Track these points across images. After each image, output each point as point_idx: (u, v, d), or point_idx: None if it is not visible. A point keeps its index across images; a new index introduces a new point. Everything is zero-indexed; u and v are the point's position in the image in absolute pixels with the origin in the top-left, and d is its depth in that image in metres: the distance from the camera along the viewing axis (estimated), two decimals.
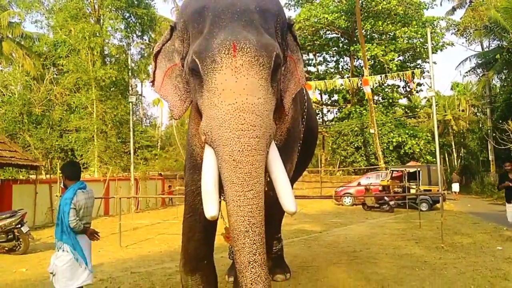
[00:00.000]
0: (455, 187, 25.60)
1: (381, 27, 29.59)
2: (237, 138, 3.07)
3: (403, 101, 35.27)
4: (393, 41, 30.15)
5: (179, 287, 4.74)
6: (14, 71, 25.01)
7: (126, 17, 23.10)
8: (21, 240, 9.22)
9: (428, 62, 20.83)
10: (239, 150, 3.07)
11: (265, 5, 3.50)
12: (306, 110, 5.21)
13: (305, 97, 5.27)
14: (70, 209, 4.37)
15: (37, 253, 9.14)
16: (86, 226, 4.57)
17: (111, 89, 22.72)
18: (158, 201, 21.50)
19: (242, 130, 3.07)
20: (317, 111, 34.76)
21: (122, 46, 23.71)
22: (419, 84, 32.22)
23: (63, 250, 4.42)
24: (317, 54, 35.15)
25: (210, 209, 3.20)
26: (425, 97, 37.82)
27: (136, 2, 23.00)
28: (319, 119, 35.53)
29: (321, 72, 34.52)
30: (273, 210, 5.54)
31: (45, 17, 23.51)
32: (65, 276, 4.38)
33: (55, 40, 24.20)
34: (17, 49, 25.52)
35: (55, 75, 25.22)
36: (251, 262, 3.01)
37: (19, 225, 9.20)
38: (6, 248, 9.15)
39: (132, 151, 14.04)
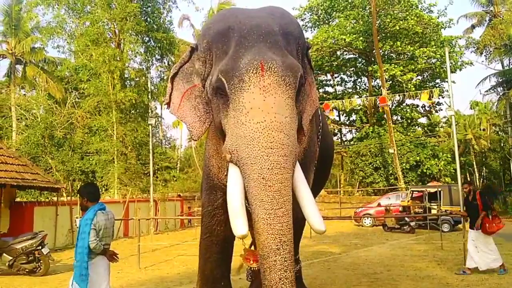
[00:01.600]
0: None
1: (399, 47, 29.58)
2: (267, 156, 3.10)
3: (423, 120, 35.01)
4: (412, 61, 30.10)
5: None
6: (37, 95, 25.59)
7: (146, 41, 23.50)
8: (41, 261, 9.33)
9: (447, 81, 20.75)
10: (268, 168, 3.10)
11: (288, 28, 3.63)
12: (321, 130, 5.22)
13: (320, 117, 5.29)
14: (90, 229, 4.41)
15: (57, 274, 9.23)
16: (106, 247, 4.61)
17: (131, 112, 23.05)
18: (177, 222, 21.56)
19: (271, 148, 3.12)
20: (335, 131, 34.71)
21: (142, 69, 24.05)
22: (438, 103, 32.05)
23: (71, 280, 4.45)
24: (335, 75, 35.25)
25: (239, 228, 3.22)
26: (444, 117, 37.44)
27: (155, 27, 23.39)
28: (337, 139, 35.43)
29: (339, 92, 34.55)
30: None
31: (67, 42, 23.99)
32: None
33: (76, 65, 24.69)
34: (40, 73, 26.23)
35: (77, 99, 25.66)
36: (282, 279, 3.02)
37: (40, 247, 9.32)
38: (27, 270, 9.25)
39: (151, 173, 14.12)
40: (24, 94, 27.57)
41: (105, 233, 4.60)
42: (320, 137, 5.17)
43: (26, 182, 12.58)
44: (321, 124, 5.23)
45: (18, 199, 14.38)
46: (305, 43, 3.86)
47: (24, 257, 9.26)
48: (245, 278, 6.31)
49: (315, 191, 5.73)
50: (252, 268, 4.77)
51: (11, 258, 9.20)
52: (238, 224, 3.23)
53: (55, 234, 13.86)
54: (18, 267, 9.22)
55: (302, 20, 33.30)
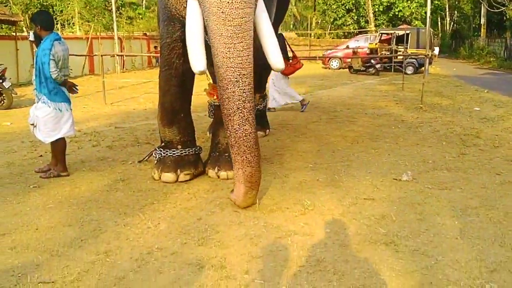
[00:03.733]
0: (436, 50, 25.42)
1: None
2: None
3: None
4: None
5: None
6: None
7: None
8: (4, 95, 9.23)
9: None
10: (228, 2, 3.03)
11: None
12: None
13: None
14: (49, 60, 4.29)
15: (22, 108, 9.21)
16: (65, 78, 4.54)
17: None
18: (144, 61, 21.24)
19: None
20: None
21: None
22: None
23: (43, 102, 4.42)
24: None
25: (197, 64, 3.29)
26: None
27: None
28: None
29: None
30: (256, 66, 5.57)
31: None
32: (48, 127, 4.45)
33: None
34: None
35: None
36: (240, 108, 3.18)
37: (1, 81, 9.13)
38: None
39: (114, 8, 13.38)
40: None
41: (63, 64, 4.48)
42: None
43: None
44: None
45: None
46: None
47: None
48: (207, 115, 6.51)
49: (277, 21, 5.61)
50: (213, 104, 4.88)
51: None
52: (197, 61, 3.29)
53: (17, 69, 13.53)
54: None
55: None
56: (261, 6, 3.29)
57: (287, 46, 8.03)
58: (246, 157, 3.32)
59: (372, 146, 5.75)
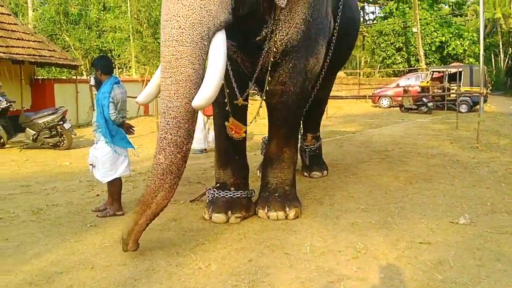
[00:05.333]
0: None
1: None
2: (163, 28, 3.21)
3: None
4: None
5: (212, 181, 4.97)
6: None
7: None
8: (64, 136, 9.69)
9: None
10: (163, 40, 3.21)
11: None
12: (341, 2, 5.01)
13: None
14: (109, 102, 4.51)
15: (81, 148, 9.60)
16: (123, 119, 4.74)
17: None
18: None
19: (165, 20, 3.19)
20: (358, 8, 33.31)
21: None
22: None
23: (102, 143, 4.62)
24: None
25: (139, 96, 3.92)
26: None
27: None
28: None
29: None
30: (311, 109, 5.63)
31: None
32: (105, 167, 4.63)
33: None
34: None
35: None
36: (161, 138, 3.26)
37: (61, 122, 9.61)
38: (51, 144, 9.64)
39: None
40: None
41: (122, 106, 4.70)
42: (340, 8, 4.98)
43: (44, 59, 12.67)
44: None
45: (38, 77, 14.53)
46: None
47: (47, 131, 9.60)
48: (259, 154, 6.57)
49: (334, 66, 5.64)
50: (265, 142, 4.96)
51: (34, 132, 9.55)
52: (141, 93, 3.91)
53: (76, 111, 14.19)
54: (42, 141, 9.60)
55: None
56: (217, 42, 3.32)
57: None
58: (149, 182, 3.38)
59: (426, 187, 5.59)
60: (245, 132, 4.57)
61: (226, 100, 4.26)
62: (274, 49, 4.07)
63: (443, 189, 5.52)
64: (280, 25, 4.01)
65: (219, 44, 3.31)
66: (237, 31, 3.77)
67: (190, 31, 3.14)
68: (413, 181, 5.95)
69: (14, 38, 12.38)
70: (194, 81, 3.18)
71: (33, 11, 23.63)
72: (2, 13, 13.22)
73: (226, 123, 4.45)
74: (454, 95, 15.90)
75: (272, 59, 4.10)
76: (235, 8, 3.41)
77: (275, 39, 4.04)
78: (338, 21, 4.95)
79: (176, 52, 3.14)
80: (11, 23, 13.03)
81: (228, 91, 4.30)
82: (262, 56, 4.10)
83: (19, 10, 23.76)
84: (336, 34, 4.98)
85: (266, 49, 4.06)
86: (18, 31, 12.86)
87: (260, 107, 4.56)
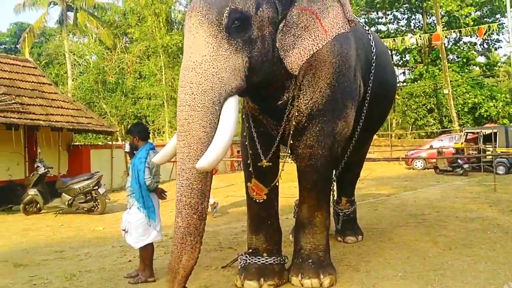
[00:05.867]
0: None
1: None
2: (179, 94, 3.37)
3: (481, 59, 33.22)
4: None
5: (244, 246, 4.91)
6: (88, 41, 26.11)
7: None
8: (98, 201, 9.86)
9: (507, 16, 19.48)
10: (178, 105, 3.37)
11: None
12: (374, 64, 5.00)
13: (373, 49, 5.04)
14: (145, 168, 4.61)
15: (114, 213, 9.72)
16: (156, 185, 4.80)
17: (179, 56, 23.21)
18: (227, 165, 21.98)
19: (181, 87, 3.33)
20: None
21: None
22: (497, 41, 30.23)
23: (136, 208, 4.68)
24: (387, 12, 33.62)
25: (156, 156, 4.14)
26: (504, 55, 35.31)
27: None
28: None
29: (392, 31, 33.06)
30: (346, 172, 5.58)
31: None
32: (138, 232, 4.66)
33: (124, 9, 24.87)
34: (91, 19, 26.57)
35: (126, 44, 26.07)
36: (177, 200, 3.35)
37: (96, 187, 9.82)
38: (85, 209, 9.81)
39: None
40: (76, 41, 28.19)
41: (156, 171, 4.79)
42: (372, 72, 4.98)
43: (82, 126, 13.16)
44: (374, 58, 5.02)
45: (75, 143, 15.04)
46: None
47: (82, 196, 9.81)
48: (292, 217, 6.48)
49: (368, 129, 5.60)
50: (297, 205, 4.90)
51: (70, 197, 9.75)
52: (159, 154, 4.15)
53: (111, 175, 14.51)
54: (77, 206, 9.79)
55: None
56: (228, 107, 3.39)
57: None
58: (173, 247, 3.40)
59: (466, 253, 5.35)
60: (267, 194, 4.47)
61: (249, 161, 4.32)
62: (297, 113, 4.10)
63: (484, 255, 5.27)
64: (304, 90, 4.05)
65: (230, 110, 3.40)
66: (257, 95, 3.89)
67: (202, 97, 3.28)
68: (452, 246, 5.71)
69: (54, 107, 12.96)
70: (206, 144, 3.27)
71: (73, 80, 24.85)
72: (44, 83, 13.95)
73: (249, 183, 4.46)
74: (490, 156, 15.53)
75: (294, 123, 4.13)
76: (249, 76, 3.50)
77: (299, 103, 4.07)
78: (370, 85, 4.98)
79: (188, 116, 3.28)
80: (52, 92, 13.70)
81: (251, 152, 4.35)
82: (285, 120, 4.14)
83: (59, 80, 25.01)
84: (368, 98, 4.98)
85: (289, 113, 4.10)
86: (58, 100, 13.48)
87: (282, 170, 4.54)
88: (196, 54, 3.31)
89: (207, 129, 3.28)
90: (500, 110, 26.03)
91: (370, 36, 5.12)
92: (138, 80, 24.14)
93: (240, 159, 18.43)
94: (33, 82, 13.42)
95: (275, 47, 3.64)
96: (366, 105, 4.96)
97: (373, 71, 5.00)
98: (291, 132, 4.15)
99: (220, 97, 3.33)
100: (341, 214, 6.27)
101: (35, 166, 10.32)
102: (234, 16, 3.35)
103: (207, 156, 3.21)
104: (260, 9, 3.49)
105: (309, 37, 3.65)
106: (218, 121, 3.34)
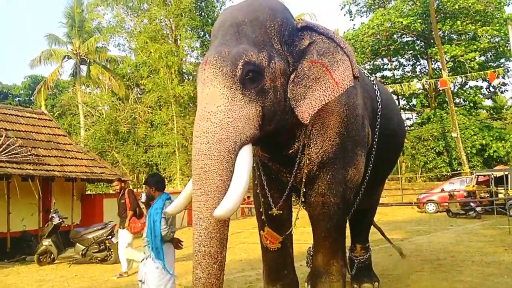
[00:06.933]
0: None
1: (460, 27, 28.21)
2: (194, 143, 3.40)
3: (488, 103, 33.45)
4: (474, 41, 28.70)
5: None
6: (101, 92, 26.75)
7: (201, 35, 24.00)
8: (112, 250, 9.87)
9: None
10: (193, 154, 3.39)
11: (252, 15, 3.67)
12: (379, 113, 5.07)
13: (378, 99, 5.14)
14: (161, 218, 4.69)
15: None
16: (172, 234, 4.87)
17: (190, 105, 23.68)
18: (238, 211, 21.93)
19: (196, 136, 3.39)
20: None
21: (199, 63, 24.55)
22: (503, 84, 30.54)
23: (152, 259, 4.73)
24: (392, 59, 34.26)
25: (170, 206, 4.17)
26: (511, 97, 35.57)
27: (210, 21, 23.83)
28: None
29: (398, 77, 33.57)
30: (359, 218, 5.59)
31: (127, 40, 25.05)
32: (154, 282, 4.69)
33: (136, 62, 25.60)
34: (104, 72, 27.38)
35: (138, 95, 26.69)
36: (195, 251, 3.26)
37: (110, 236, 9.86)
38: (99, 258, 9.83)
39: None
40: (89, 92, 28.91)
41: (172, 221, 4.87)
42: (378, 121, 5.04)
43: (95, 176, 13.34)
44: (379, 107, 5.10)
45: (87, 192, 15.18)
46: (284, 25, 3.77)
47: (95, 246, 9.85)
48: (305, 265, 6.47)
49: (377, 176, 5.60)
50: (311, 253, 4.91)
51: (83, 247, 9.80)
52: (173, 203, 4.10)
53: None
54: (91, 256, 9.81)
55: (356, 5, 32.69)
56: (242, 156, 3.42)
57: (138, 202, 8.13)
58: None
59: None
60: (281, 242, 4.50)
61: (261, 210, 4.34)
62: (308, 161, 4.14)
63: None
64: (314, 139, 4.10)
65: (245, 158, 3.42)
66: (268, 143, 3.97)
67: (218, 146, 3.30)
68: None
69: (69, 157, 13.22)
70: (223, 192, 3.26)
71: (85, 130, 25.31)
72: (59, 135, 14.27)
73: (262, 232, 4.48)
74: (503, 198, 15.40)
75: (306, 171, 4.16)
76: (262, 124, 3.57)
77: (310, 152, 4.12)
78: (377, 133, 5.03)
79: (205, 165, 3.29)
80: (66, 143, 14.00)
81: (263, 199, 4.39)
82: (296, 168, 4.17)
83: (72, 130, 25.50)
84: (375, 146, 5.02)
85: (300, 161, 4.14)
86: (72, 150, 13.75)
87: (297, 218, 4.53)
88: (211, 105, 3.38)
89: (224, 177, 3.30)
90: (509, 150, 25.97)
91: (375, 86, 5.25)
92: (149, 129, 24.55)
93: (250, 205, 18.40)
94: (48, 134, 13.75)
95: (287, 98, 3.73)
96: (374, 152, 5.05)
97: (379, 119, 5.08)
98: (304, 180, 4.20)
99: (235, 145, 3.37)
100: (356, 261, 6.24)
101: (50, 216, 10.43)
102: (247, 68, 3.45)
103: (225, 204, 3.21)
104: (272, 61, 3.60)
105: (320, 88, 3.74)
106: (233, 169, 3.37)
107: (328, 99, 3.76)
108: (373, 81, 5.44)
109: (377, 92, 5.16)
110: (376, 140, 5.02)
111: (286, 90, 3.73)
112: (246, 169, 3.40)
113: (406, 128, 33.12)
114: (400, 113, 7.48)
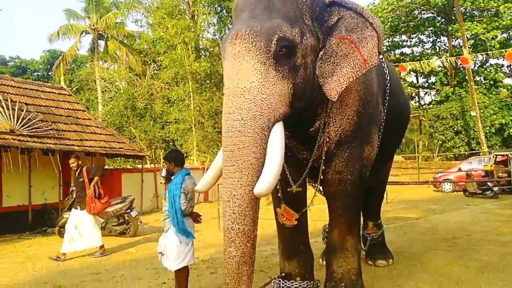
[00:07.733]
0: None
1: (482, 4, 27.53)
2: (225, 120, 3.36)
3: (508, 81, 32.82)
4: (496, 18, 28.00)
5: (275, 269, 5.01)
6: (118, 68, 26.87)
7: (219, 11, 23.79)
8: (130, 224, 10.08)
9: None
10: (225, 131, 3.34)
11: None
12: (388, 91, 5.04)
13: (387, 77, 5.10)
14: (181, 193, 4.77)
15: (145, 235, 9.93)
16: (191, 209, 4.97)
17: (206, 82, 23.69)
18: None
19: (229, 113, 3.34)
20: (413, 94, 33.50)
21: (215, 39, 24.50)
22: None
23: (172, 232, 4.84)
24: (412, 36, 33.66)
25: (199, 185, 4.03)
26: None
27: None
28: (415, 102, 34.22)
29: (417, 54, 33.02)
30: (370, 196, 5.61)
31: (144, 15, 24.97)
32: (174, 255, 4.81)
33: (154, 37, 25.57)
34: (121, 47, 27.41)
35: (155, 71, 26.75)
36: (228, 229, 3.26)
37: (129, 210, 10.06)
38: (118, 231, 10.04)
39: None
40: (107, 68, 29.06)
41: (191, 196, 4.95)
42: (387, 98, 5.01)
43: (114, 151, 13.53)
44: (388, 85, 5.06)
45: (106, 167, 15.40)
46: (316, 0, 3.75)
47: (115, 219, 10.06)
48: (321, 241, 6.55)
49: (384, 153, 5.60)
50: (326, 229, 4.98)
51: (103, 220, 10.00)
52: (201, 182, 4.04)
53: (141, 199, 14.76)
54: (110, 229, 10.03)
55: None
56: (275, 133, 3.42)
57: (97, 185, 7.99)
58: (227, 279, 3.32)
59: (499, 277, 5.34)
60: (297, 219, 4.56)
61: (278, 187, 4.35)
62: (328, 139, 4.17)
63: None
64: (333, 117, 4.11)
65: (277, 135, 3.42)
66: (292, 122, 3.92)
67: (252, 123, 3.29)
68: (485, 271, 5.69)
69: (88, 132, 13.39)
70: (257, 169, 3.28)
71: (103, 106, 25.54)
72: (78, 110, 14.44)
73: (278, 209, 4.53)
74: None
75: (326, 149, 4.19)
76: (292, 102, 3.56)
77: (329, 130, 4.14)
78: (385, 111, 4.97)
79: (239, 142, 3.27)
80: (85, 118, 14.17)
81: (280, 177, 4.43)
82: (317, 146, 4.20)
83: (90, 105, 25.74)
84: (383, 123, 4.98)
85: (320, 139, 4.17)
86: (91, 126, 13.92)
87: (315, 196, 4.60)
88: (244, 81, 3.34)
89: (257, 154, 3.30)
90: None
91: (384, 64, 5.22)
92: (166, 105, 24.68)
93: None
94: (67, 108, 13.92)
95: (315, 75, 3.72)
96: (381, 130, 5.02)
97: (387, 97, 5.06)
98: (323, 158, 4.23)
99: (269, 123, 3.37)
100: (369, 238, 6.31)
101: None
102: (282, 44, 3.42)
103: (263, 182, 3.23)
104: (305, 37, 3.57)
105: (348, 65, 3.72)
106: (266, 147, 3.37)
107: (355, 76, 3.74)
108: (381, 59, 5.40)
109: (386, 71, 5.13)
110: (383, 118, 5.02)
111: (315, 67, 3.71)
112: (280, 147, 3.41)
113: (424, 106, 32.98)
114: (405, 94, 7.40)
